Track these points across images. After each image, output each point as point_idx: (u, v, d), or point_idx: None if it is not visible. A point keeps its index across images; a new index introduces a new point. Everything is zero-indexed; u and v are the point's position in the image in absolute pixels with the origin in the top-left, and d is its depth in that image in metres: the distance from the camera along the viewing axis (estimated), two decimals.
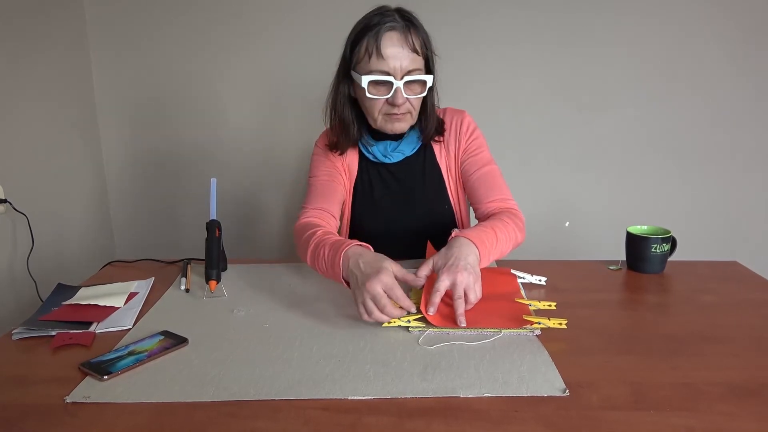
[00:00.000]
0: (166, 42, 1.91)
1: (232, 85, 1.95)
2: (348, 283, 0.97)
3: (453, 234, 1.01)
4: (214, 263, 1.08)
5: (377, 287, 0.89)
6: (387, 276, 0.90)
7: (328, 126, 1.27)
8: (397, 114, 1.16)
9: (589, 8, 1.83)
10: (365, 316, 0.91)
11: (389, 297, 0.90)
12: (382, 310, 0.89)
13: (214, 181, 1.14)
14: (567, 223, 1.98)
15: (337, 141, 1.25)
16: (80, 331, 0.93)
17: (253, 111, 1.97)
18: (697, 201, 1.97)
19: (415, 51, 1.11)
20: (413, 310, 0.92)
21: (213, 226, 1.12)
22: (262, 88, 1.95)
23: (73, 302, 1.04)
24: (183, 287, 1.12)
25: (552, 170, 1.97)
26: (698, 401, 0.72)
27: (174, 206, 2.07)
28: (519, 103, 1.92)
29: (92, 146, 1.97)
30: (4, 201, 1.49)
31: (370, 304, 0.89)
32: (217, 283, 1.08)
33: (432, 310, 0.92)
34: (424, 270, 0.97)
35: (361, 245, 1.00)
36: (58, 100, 1.77)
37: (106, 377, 0.78)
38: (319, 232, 1.10)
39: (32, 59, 1.64)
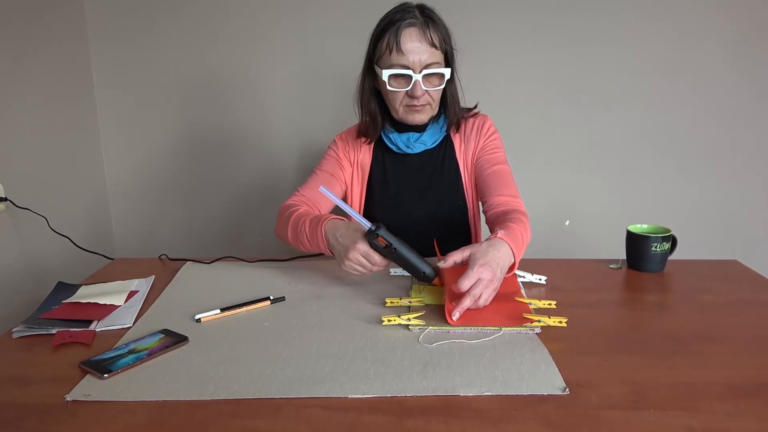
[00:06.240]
0: (167, 41, 1.91)
1: (234, 83, 1.95)
2: (333, 253, 1.10)
3: (498, 235, 1.01)
4: (419, 265, 1.03)
5: (357, 256, 1.03)
6: (362, 244, 1.02)
7: (359, 117, 1.33)
8: (416, 105, 1.21)
9: (590, 8, 1.83)
10: (356, 271, 1.05)
11: (368, 261, 1.03)
12: (370, 269, 1.04)
13: (323, 189, 1.08)
14: (567, 222, 1.98)
15: (367, 130, 1.32)
16: (80, 329, 0.93)
17: (256, 109, 1.97)
18: (697, 200, 1.97)
19: (433, 46, 1.17)
20: (384, 266, 1.04)
21: (374, 236, 1.00)
22: (266, 86, 1.95)
23: (73, 300, 1.04)
24: None
25: (552, 169, 1.97)
26: (698, 401, 0.72)
27: (175, 206, 2.07)
28: (519, 103, 1.92)
29: (92, 146, 1.97)
30: (5, 199, 1.49)
31: (358, 267, 1.04)
32: (434, 276, 1.04)
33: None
34: (457, 257, 0.98)
35: (335, 218, 1.11)
36: (58, 99, 1.77)
37: (106, 375, 0.78)
38: (300, 210, 1.22)
39: (32, 59, 1.64)
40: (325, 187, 1.08)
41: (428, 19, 1.18)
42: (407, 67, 1.16)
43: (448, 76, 1.21)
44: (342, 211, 1.07)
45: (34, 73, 1.65)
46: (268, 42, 1.90)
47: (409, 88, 1.18)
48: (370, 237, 1.01)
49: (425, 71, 1.17)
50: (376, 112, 1.29)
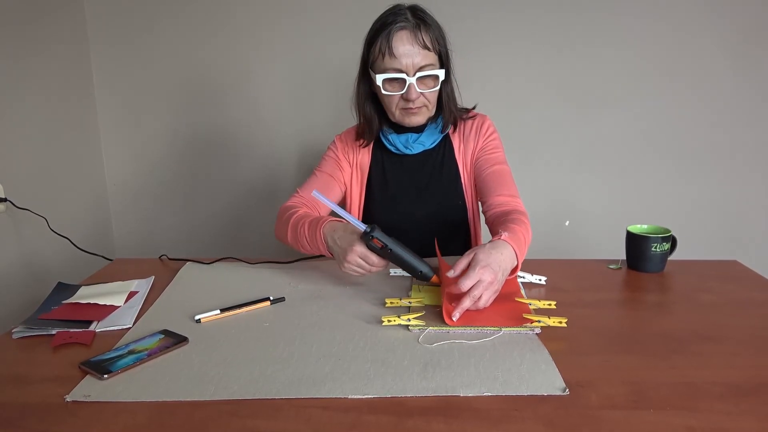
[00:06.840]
0: (166, 41, 1.91)
1: (234, 83, 1.95)
2: (332, 254, 1.11)
3: (503, 237, 1.01)
4: (416, 264, 1.04)
5: (355, 258, 1.04)
6: (359, 246, 1.03)
7: (356, 120, 1.33)
8: (412, 108, 1.21)
9: (590, 8, 1.83)
10: (356, 273, 1.06)
11: (366, 262, 1.04)
12: (368, 269, 1.05)
13: (316, 193, 1.09)
14: (567, 222, 1.98)
15: (363, 133, 1.32)
16: (80, 329, 0.93)
17: (256, 109, 1.97)
18: (697, 200, 1.97)
19: (426, 47, 1.16)
20: (383, 266, 1.06)
21: (369, 238, 1.01)
22: (266, 86, 1.95)
23: (73, 301, 1.04)
24: None
25: (552, 169, 1.97)
26: (698, 401, 0.72)
27: (175, 206, 2.07)
28: (518, 103, 1.92)
29: (92, 146, 1.97)
30: (5, 200, 1.49)
31: (357, 269, 1.05)
32: (432, 276, 1.06)
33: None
34: (464, 262, 0.97)
35: (334, 220, 1.11)
36: (58, 99, 1.77)
37: (106, 376, 0.78)
38: (300, 212, 1.22)
39: (32, 59, 1.64)
40: (317, 192, 1.09)
41: (420, 20, 1.17)
42: (400, 71, 1.16)
43: (442, 77, 1.20)
44: None
45: (34, 73, 1.65)
46: (267, 42, 1.90)
47: (403, 92, 1.18)
48: (365, 239, 1.02)
49: (419, 74, 1.16)
50: (372, 116, 1.29)
